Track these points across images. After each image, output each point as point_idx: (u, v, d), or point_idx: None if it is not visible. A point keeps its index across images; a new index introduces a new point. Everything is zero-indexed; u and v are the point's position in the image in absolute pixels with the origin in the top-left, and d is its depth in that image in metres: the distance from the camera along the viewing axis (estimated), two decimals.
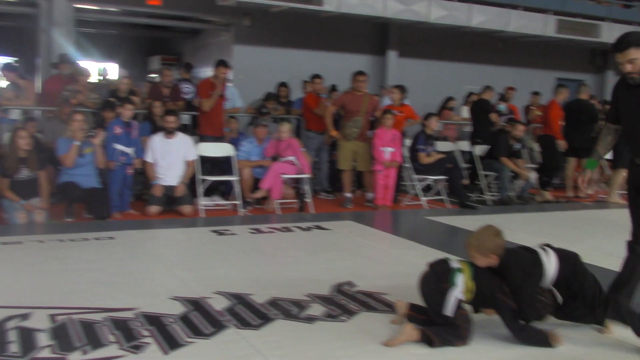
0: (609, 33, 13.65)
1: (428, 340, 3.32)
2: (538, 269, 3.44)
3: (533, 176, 9.34)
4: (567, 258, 3.52)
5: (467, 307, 3.47)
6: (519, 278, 3.36)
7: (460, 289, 3.33)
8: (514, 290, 3.36)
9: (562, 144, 9.48)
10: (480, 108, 9.95)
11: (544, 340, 3.38)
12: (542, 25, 12.92)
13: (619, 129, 3.95)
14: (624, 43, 3.57)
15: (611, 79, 15.44)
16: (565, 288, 3.54)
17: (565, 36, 13.29)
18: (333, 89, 10.10)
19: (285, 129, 7.99)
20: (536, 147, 10.20)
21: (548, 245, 3.58)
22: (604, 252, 5.42)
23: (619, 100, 3.87)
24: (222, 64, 8.10)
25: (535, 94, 12.59)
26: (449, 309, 3.31)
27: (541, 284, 3.46)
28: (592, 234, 6.94)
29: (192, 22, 12.25)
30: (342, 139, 8.27)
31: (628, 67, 3.59)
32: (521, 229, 6.78)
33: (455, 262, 3.46)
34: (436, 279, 3.40)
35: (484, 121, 9.71)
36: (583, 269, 3.55)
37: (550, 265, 3.45)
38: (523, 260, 3.46)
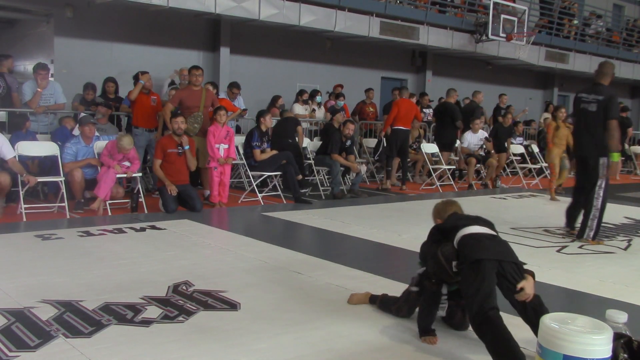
0: (426, 36, 14.68)
1: (373, 300, 3.97)
2: (452, 232, 3.38)
3: (363, 169, 9.81)
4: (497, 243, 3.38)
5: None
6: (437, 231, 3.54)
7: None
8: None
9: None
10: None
11: (425, 328, 3.44)
12: (366, 27, 13.55)
13: None
14: None
15: (430, 79, 16.61)
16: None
17: (388, 37, 14.05)
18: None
19: (128, 141, 7.51)
20: (383, 139, 10.69)
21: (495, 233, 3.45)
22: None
23: None
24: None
25: (369, 90, 13.18)
26: (411, 282, 3.74)
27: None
28: (416, 223, 7.38)
29: (6, 11, 11.30)
30: None
31: None
32: (353, 221, 7.10)
33: None
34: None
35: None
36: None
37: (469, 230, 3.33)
38: (451, 223, 3.49)
